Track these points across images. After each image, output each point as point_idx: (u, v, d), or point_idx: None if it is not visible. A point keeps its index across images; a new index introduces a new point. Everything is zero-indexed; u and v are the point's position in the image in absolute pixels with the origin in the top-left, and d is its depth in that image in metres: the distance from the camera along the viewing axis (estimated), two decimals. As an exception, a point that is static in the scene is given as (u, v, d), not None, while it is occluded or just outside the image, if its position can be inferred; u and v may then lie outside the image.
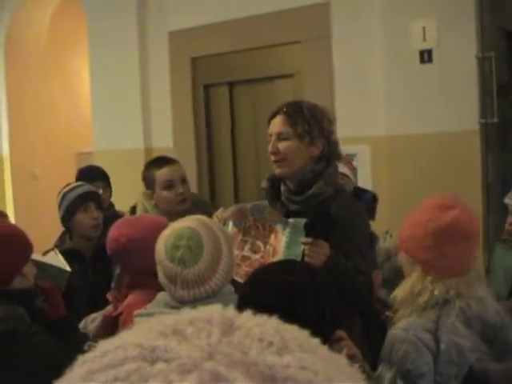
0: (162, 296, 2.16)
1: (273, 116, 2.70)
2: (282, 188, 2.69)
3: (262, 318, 0.57)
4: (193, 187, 5.07)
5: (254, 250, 2.57)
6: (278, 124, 2.65)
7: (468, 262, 2.08)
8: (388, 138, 4.19)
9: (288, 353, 0.52)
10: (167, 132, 5.27)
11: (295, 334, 0.56)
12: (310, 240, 2.42)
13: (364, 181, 4.25)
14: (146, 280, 2.38)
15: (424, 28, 4.07)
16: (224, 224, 2.58)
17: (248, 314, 0.58)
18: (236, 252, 2.48)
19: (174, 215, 2.64)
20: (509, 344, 2.05)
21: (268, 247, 2.57)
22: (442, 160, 4.01)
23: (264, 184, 2.74)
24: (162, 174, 3.13)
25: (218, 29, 4.91)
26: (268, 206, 2.66)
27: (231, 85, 5.03)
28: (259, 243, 2.58)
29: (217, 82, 5.11)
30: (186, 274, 2.03)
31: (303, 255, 2.45)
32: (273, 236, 2.58)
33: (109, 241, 2.55)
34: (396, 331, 2.01)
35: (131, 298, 2.42)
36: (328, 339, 1.73)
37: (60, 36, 6.81)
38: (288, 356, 0.52)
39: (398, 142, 4.15)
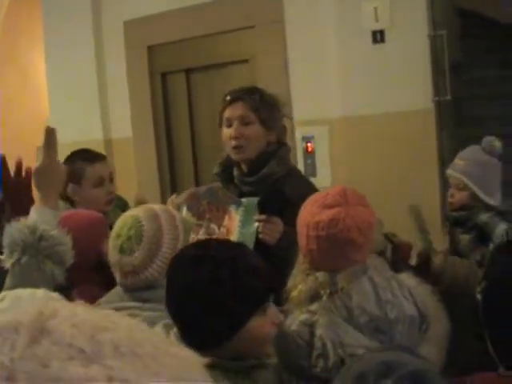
0: (117, 289, 2.20)
1: (230, 102, 2.72)
2: (235, 171, 2.72)
3: (81, 317, 0.53)
4: (153, 176, 5.09)
5: (209, 233, 2.59)
6: (240, 108, 2.69)
7: (337, 263, 2.04)
8: (344, 119, 4.21)
9: (96, 361, 0.49)
10: (126, 122, 5.24)
11: (116, 333, 0.52)
12: (263, 217, 2.45)
13: (322, 162, 4.28)
14: (86, 275, 2.40)
15: (376, 8, 4.09)
16: (178, 209, 2.59)
17: (67, 311, 0.54)
18: (192, 235, 2.50)
19: None
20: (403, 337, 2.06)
21: (222, 229, 2.60)
22: (398, 139, 4.04)
23: (216, 169, 2.77)
24: (94, 169, 2.96)
25: (173, 16, 4.90)
26: (221, 188, 2.69)
27: (188, 72, 5.02)
28: (214, 226, 2.61)
29: (174, 70, 5.08)
30: (123, 263, 2.09)
31: (257, 233, 2.48)
32: (227, 217, 2.61)
33: None
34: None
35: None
36: None
37: (15, 27, 6.73)
38: (94, 366, 0.48)
39: (355, 122, 4.18)
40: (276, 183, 2.59)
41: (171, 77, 5.12)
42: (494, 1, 5.78)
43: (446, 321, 2.16)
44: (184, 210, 2.63)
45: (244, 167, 2.70)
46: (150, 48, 5.10)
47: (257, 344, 1.71)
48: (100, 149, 4.92)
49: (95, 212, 2.65)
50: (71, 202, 3.02)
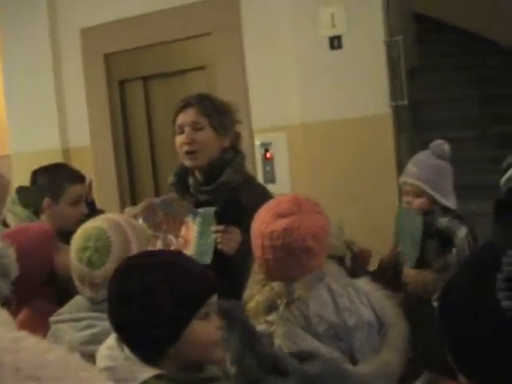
0: (78, 299, 2.17)
1: (182, 108, 2.72)
2: (191, 180, 2.70)
3: None
4: (112, 184, 5.04)
5: (167, 245, 2.57)
6: (192, 114, 2.68)
7: (294, 272, 2.03)
8: (302, 126, 4.22)
9: None
10: (84, 131, 5.18)
11: (19, 356, 0.53)
12: (221, 227, 2.43)
13: (281, 169, 4.28)
14: (37, 290, 2.37)
15: (333, 14, 4.11)
16: (134, 221, 2.57)
17: None
18: (149, 248, 2.48)
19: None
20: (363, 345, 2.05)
21: (180, 240, 2.57)
22: (357, 144, 4.06)
23: (171, 179, 2.75)
24: (75, 190, 2.99)
25: (129, 24, 4.86)
26: (177, 199, 2.66)
27: (146, 79, 4.99)
28: (171, 237, 2.58)
29: (131, 78, 5.05)
30: (93, 275, 2.06)
31: (216, 243, 2.46)
32: (183, 228, 2.58)
33: None
34: None
35: (25, 312, 2.38)
36: None
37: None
38: None
39: (313, 128, 4.18)
40: (232, 192, 2.57)
41: (129, 84, 5.08)
42: (450, 6, 5.85)
43: (405, 324, 2.17)
44: (140, 221, 2.60)
45: (199, 176, 2.68)
46: (106, 56, 5.06)
47: (202, 349, 1.66)
48: (58, 158, 4.88)
49: (44, 224, 2.63)
50: (35, 212, 3.02)
